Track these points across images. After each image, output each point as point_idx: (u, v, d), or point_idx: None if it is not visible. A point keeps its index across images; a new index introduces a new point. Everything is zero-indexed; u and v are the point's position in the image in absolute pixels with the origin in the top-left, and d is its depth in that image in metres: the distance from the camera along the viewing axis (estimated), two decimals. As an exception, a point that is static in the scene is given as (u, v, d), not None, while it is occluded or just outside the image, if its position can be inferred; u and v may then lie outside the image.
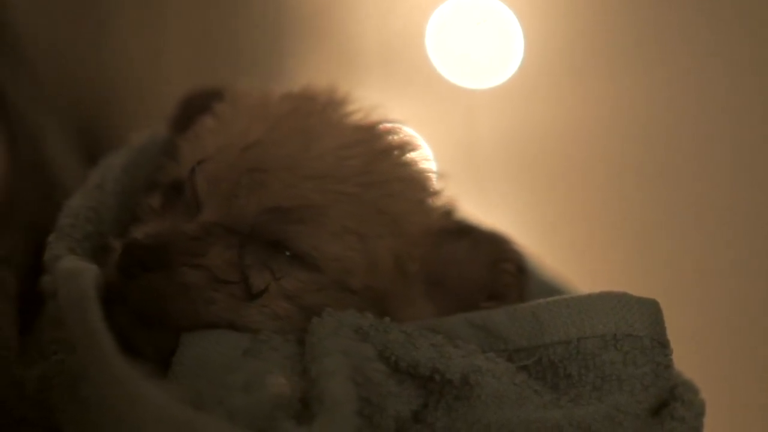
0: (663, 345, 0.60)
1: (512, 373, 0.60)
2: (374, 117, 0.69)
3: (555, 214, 1.28)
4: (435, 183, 0.70)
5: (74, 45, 1.25)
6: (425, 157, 0.71)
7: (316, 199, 0.63)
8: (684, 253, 1.23)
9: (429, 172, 0.69)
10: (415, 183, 0.68)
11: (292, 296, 0.62)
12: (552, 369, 0.60)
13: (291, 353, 0.59)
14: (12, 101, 0.79)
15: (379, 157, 0.67)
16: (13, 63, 0.84)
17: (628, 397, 0.58)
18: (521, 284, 0.66)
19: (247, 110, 0.68)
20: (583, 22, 1.26)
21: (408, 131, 0.71)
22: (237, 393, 0.55)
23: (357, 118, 0.69)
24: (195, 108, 0.72)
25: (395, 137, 0.69)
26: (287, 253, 0.63)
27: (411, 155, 0.69)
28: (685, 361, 0.63)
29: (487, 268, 0.66)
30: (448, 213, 0.70)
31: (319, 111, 0.68)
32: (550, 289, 0.73)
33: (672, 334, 0.61)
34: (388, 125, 0.69)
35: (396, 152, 0.68)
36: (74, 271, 0.58)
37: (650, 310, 0.61)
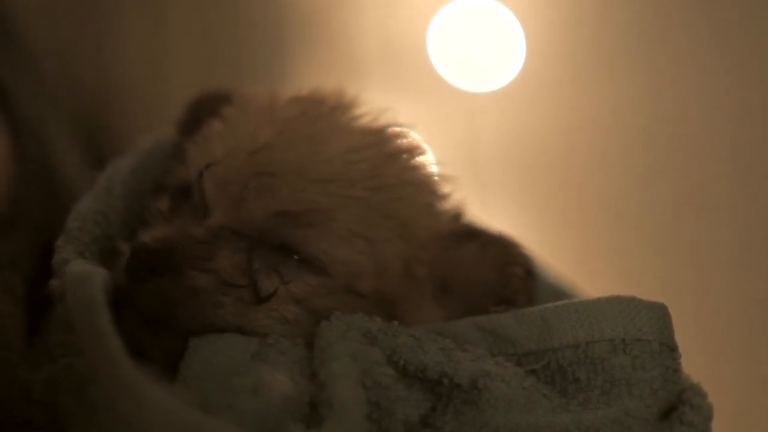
0: (672, 349, 0.60)
1: (521, 377, 0.60)
2: (382, 120, 0.69)
3: (556, 217, 1.29)
4: (443, 186, 0.70)
5: (75, 45, 1.25)
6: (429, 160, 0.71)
7: (324, 202, 0.63)
8: (687, 256, 1.24)
9: (437, 175, 0.70)
10: (423, 187, 0.69)
11: (300, 300, 0.62)
12: (561, 373, 0.60)
13: (299, 357, 0.59)
14: (16, 98, 0.79)
15: (387, 161, 0.67)
16: (16, 60, 0.84)
17: (637, 402, 0.58)
18: (530, 288, 0.66)
19: (255, 114, 0.68)
20: (585, 25, 1.26)
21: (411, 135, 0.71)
22: (245, 396, 0.55)
23: (365, 121, 0.69)
24: (203, 111, 0.72)
25: (403, 141, 0.69)
26: (295, 257, 0.63)
27: (419, 159, 0.69)
28: (691, 363, 0.63)
29: (496, 272, 0.66)
30: (456, 217, 0.70)
31: (327, 114, 0.68)
32: (557, 292, 0.73)
33: (677, 337, 0.61)
34: (396, 129, 0.69)
35: (404, 156, 0.68)
36: (83, 275, 0.58)
37: (659, 314, 0.61)
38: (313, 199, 0.63)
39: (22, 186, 0.74)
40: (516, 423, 0.57)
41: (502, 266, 0.66)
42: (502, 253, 0.67)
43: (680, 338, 0.62)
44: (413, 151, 0.69)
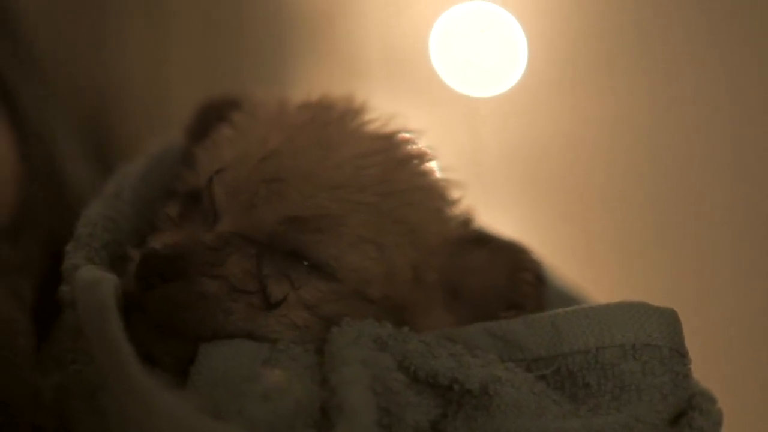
0: (681, 354, 0.60)
1: (531, 382, 0.60)
2: (392, 126, 0.70)
3: (558, 222, 1.29)
4: (452, 192, 0.70)
5: (77, 49, 1.25)
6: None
7: (334, 208, 0.63)
8: (693, 260, 1.24)
9: (446, 181, 0.70)
10: (433, 192, 0.69)
11: (310, 306, 0.62)
12: (571, 379, 0.60)
13: (310, 363, 0.59)
14: (23, 102, 0.79)
15: (397, 167, 0.67)
16: (23, 64, 0.83)
17: (646, 407, 0.58)
18: (540, 294, 0.66)
19: (264, 120, 0.68)
20: (587, 30, 1.26)
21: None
22: (256, 402, 0.55)
23: (374, 127, 0.69)
24: (212, 117, 0.72)
25: (413, 146, 0.69)
26: (305, 263, 0.63)
27: (428, 164, 0.69)
28: (701, 369, 0.63)
29: (506, 278, 0.66)
30: (466, 222, 0.70)
31: (336, 120, 0.68)
32: (567, 298, 0.73)
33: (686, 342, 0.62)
34: (405, 134, 0.69)
35: (414, 161, 0.68)
36: (93, 281, 0.58)
37: (669, 319, 0.61)
38: (322, 205, 0.63)
39: (30, 189, 0.74)
40: (526, 428, 0.57)
41: (511, 272, 0.66)
42: (511, 258, 0.67)
43: (689, 343, 0.62)
44: (423, 156, 0.69)
